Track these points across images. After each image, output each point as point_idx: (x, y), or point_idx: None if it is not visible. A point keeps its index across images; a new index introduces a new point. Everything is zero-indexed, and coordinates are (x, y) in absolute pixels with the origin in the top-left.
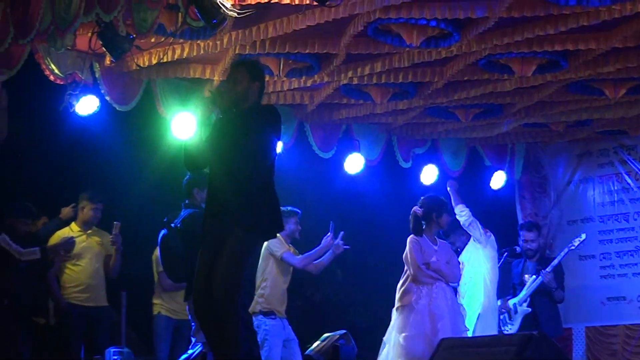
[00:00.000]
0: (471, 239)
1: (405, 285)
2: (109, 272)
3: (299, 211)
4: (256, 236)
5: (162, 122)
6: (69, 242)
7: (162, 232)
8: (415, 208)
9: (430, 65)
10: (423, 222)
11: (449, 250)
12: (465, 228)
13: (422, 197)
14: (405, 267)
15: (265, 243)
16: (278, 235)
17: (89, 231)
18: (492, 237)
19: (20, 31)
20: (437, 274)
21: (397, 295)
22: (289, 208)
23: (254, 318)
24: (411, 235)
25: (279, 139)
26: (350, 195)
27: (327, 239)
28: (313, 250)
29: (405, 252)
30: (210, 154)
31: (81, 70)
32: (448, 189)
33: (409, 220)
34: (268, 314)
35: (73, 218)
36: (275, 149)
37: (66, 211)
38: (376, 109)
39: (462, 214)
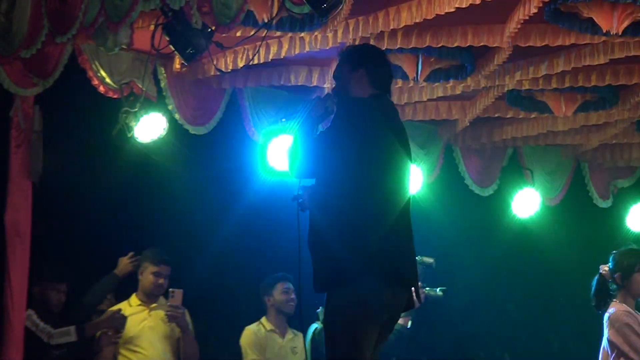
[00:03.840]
0: None
1: None
2: None
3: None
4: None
5: (252, 148)
6: (116, 318)
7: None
8: (602, 267)
9: (638, 61)
10: (614, 287)
11: None
12: None
13: (613, 252)
14: (611, 350)
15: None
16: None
17: (153, 305)
18: None
19: (58, 25)
20: None
21: None
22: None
23: None
24: (618, 307)
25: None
26: (520, 247)
27: None
28: None
29: (612, 329)
30: None
31: (141, 79)
32: None
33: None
34: None
35: (134, 274)
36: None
37: (124, 263)
38: (557, 124)
39: None
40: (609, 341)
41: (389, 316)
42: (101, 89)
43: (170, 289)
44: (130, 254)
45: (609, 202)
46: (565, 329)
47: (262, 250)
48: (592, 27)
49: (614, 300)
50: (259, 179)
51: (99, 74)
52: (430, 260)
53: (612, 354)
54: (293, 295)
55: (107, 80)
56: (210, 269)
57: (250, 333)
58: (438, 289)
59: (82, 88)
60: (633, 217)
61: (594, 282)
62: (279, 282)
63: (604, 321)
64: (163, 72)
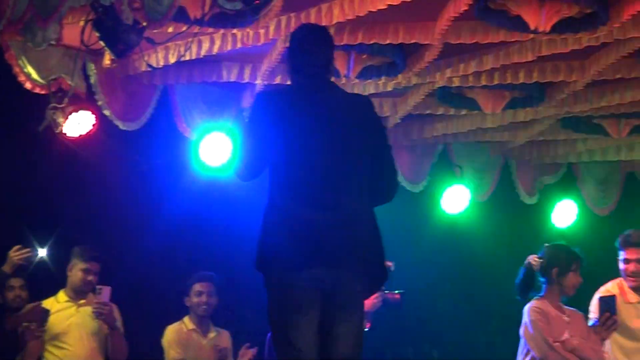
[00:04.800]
0: None
1: None
2: (110, 358)
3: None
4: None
5: (184, 145)
6: (36, 311)
7: None
8: (532, 258)
9: (565, 59)
10: (542, 280)
11: (583, 323)
12: None
13: (546, 245)
14: (523, 347)
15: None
16: None
17: (82, 301)
18: None
19: None
20: (575, 357)
21: None
22: None
23: None
24: (534, 303)
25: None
26: (450, 243)
27: None
28: None
29: (523, 326)
30: None
31: (70, 75)
32: None
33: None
34: None
35: (26, 267)
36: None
37: (10, 257)
38: (486, 121)
39: None
40: (520, 335)
41: (328, 297)
42: (27, 85)
43: (97, 286)
44: (17, 247)
45: (534, 199)
46: (492, 324)
47: (193, 248)
48: (521, 24)
49: (539, 295)
50: (190, 176)
51: (25, 70)
52: (388, 264)
53: (523, 349)
54: (205, 298)
55: (34, 76)
56: (141, 267)
57: (171, 332)
58: (396, 291)
59: (8, 84)
60: (558, 213)
61: (521, 272)
62: (195, 282)
63: None
64: (93, 68)
